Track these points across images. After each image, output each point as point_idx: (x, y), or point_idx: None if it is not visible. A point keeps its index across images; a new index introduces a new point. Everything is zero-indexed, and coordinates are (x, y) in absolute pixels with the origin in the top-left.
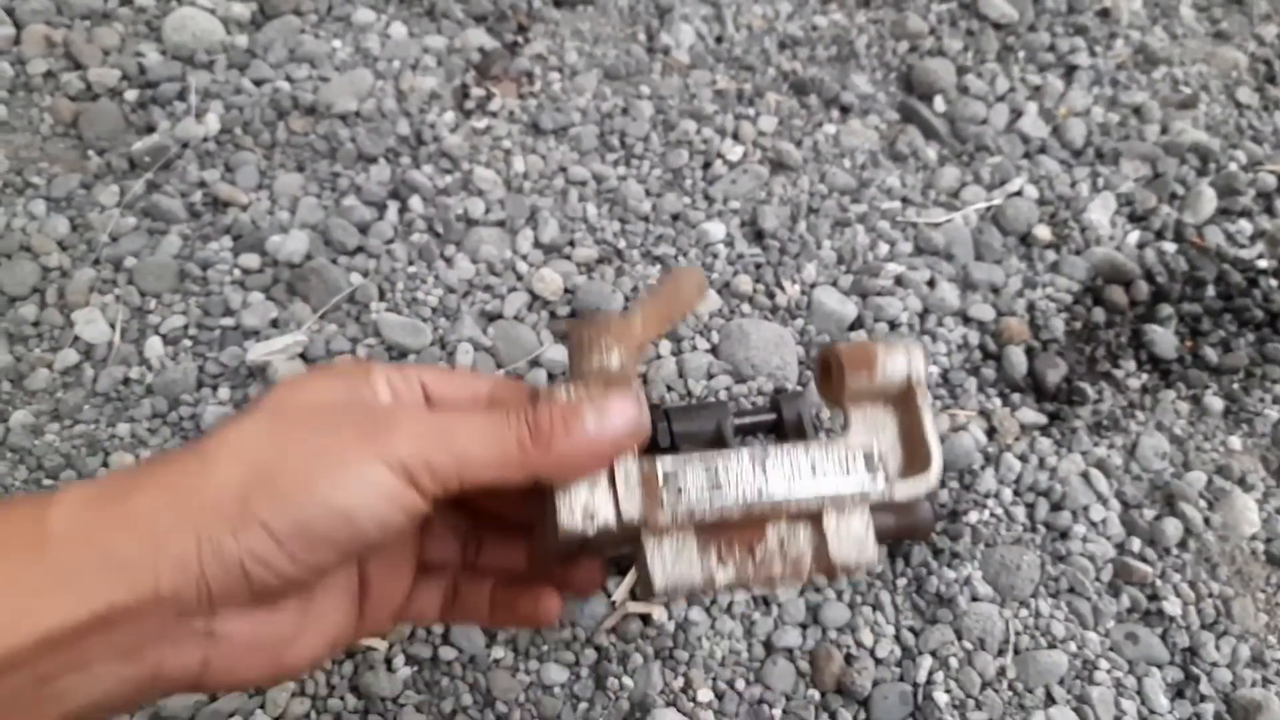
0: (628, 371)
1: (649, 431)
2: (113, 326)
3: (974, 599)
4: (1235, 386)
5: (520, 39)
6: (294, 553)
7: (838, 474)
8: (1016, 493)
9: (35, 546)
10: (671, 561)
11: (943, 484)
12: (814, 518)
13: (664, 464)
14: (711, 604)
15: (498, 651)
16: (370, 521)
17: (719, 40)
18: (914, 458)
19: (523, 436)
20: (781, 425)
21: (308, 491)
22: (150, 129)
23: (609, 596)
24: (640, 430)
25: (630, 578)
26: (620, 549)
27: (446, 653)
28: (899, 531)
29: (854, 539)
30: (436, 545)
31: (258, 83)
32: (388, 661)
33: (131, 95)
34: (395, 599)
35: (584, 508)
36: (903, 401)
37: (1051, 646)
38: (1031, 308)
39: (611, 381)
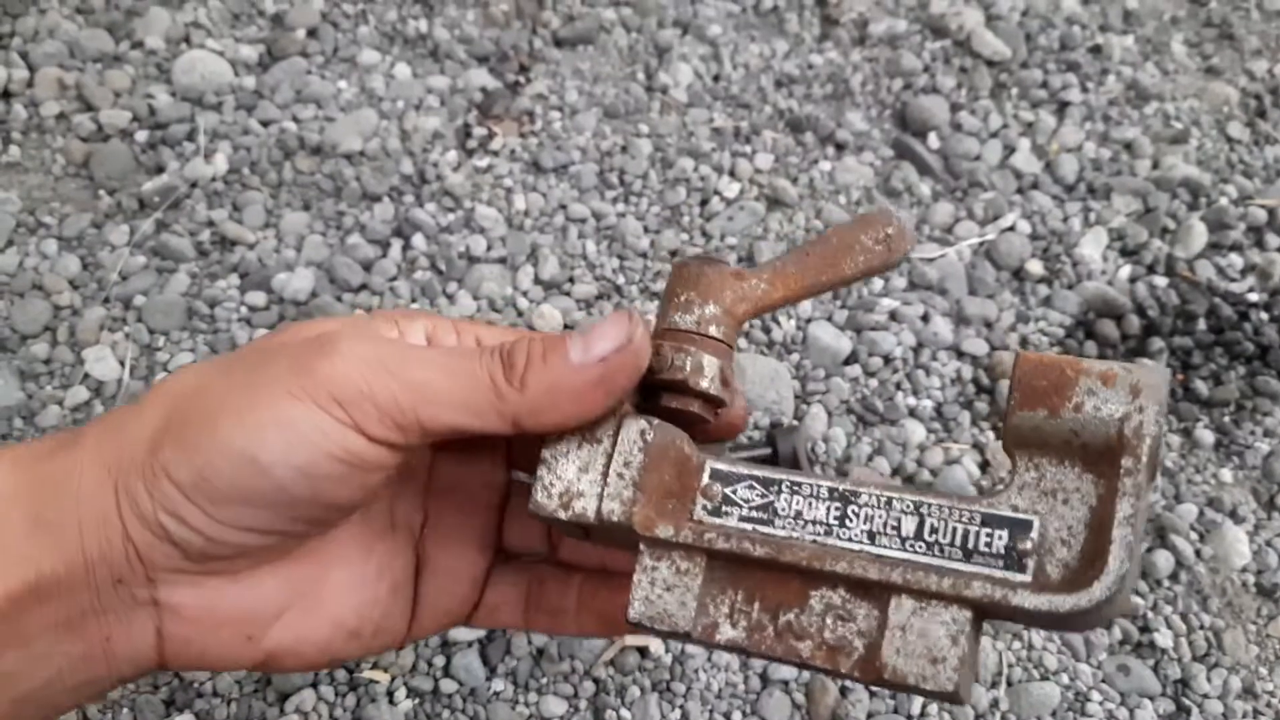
0: (726, 339)
1: (647, 352)
2: (122, 364)
3: None
4: (1226, 419)
5: (521, 79)
6: (207, 510)
7: (954, 546)
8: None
9: None
10: (664, 589)
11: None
12: (884, 595)
13: (715, 463)
14: None
15: (498, 684)
16: (290, 471)
17: (716, 79)
18: (1093, 553)
19: (494, 371)
20: (776, 460)
21: (210, 435)
22: (160, 169)
23: None
24: (635, 354)
25: None
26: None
27: (447, 685)
28: None
29: (926, 648)
30: (519, 529)
31: (265, 123)
32: (389, 694)
33: (142, 136)
34: (461, 588)
35: (565, 487)
36: (1107, 466)
37: (1044, 679)
38: (1024, 342)
39: None
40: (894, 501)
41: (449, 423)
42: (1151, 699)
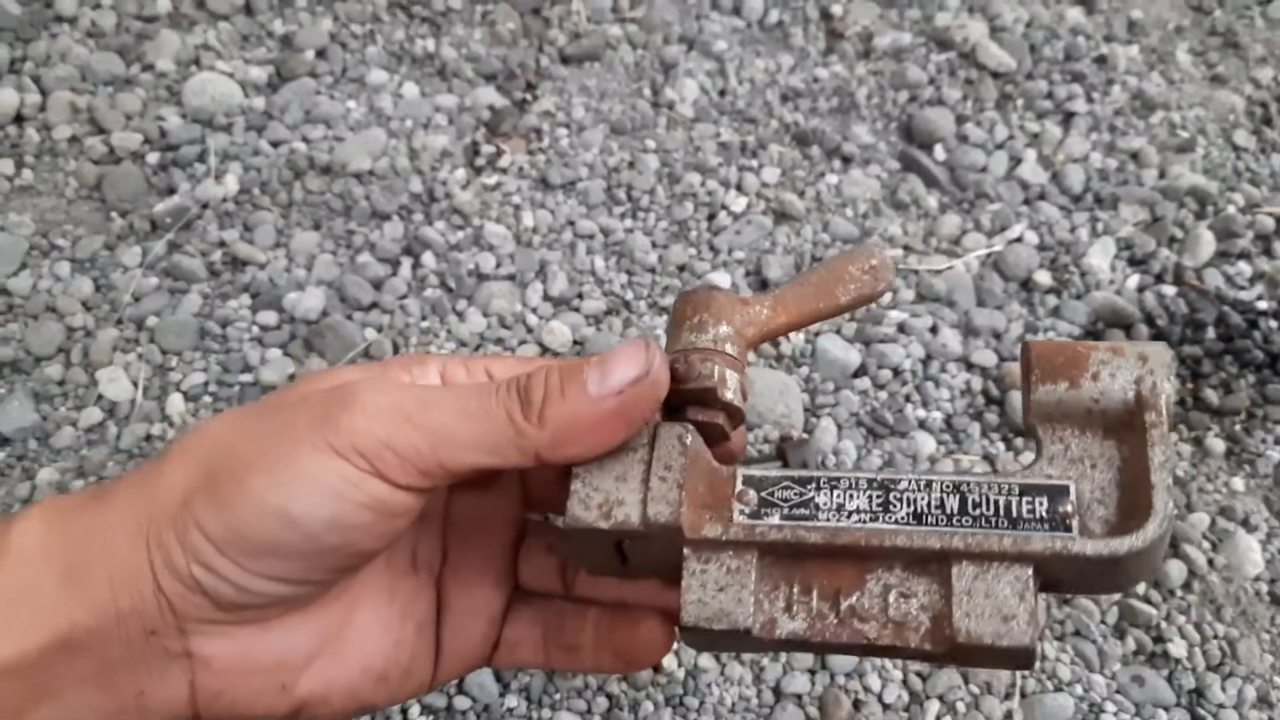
0: (730, 352)
1: (666, 382)
2: (135, 384)
3: None
4: (1237, 428)
5: (529, 96)
6: (239, 562)
7: (1000, 516)
8: None
9: None
10: (717, 589)
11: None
12: (942, 568)
13: (746, 470)
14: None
15: (511, 700)
16: (319, 523)
17: (722, 94)
18: (1129, 506)
19: (512, 409)
20: None
21: (242, 491)
22: (171, 191)
23: None
24: (655, 381)
25: None
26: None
27: (461, 702)
28: None
29: (995, 607)
30: (534, 566)
31: (275, 144)
32: (404, 712)
33: (153, 158)
34: (480, 626)
35: (604, 497)
36: (1126, 430)
37: (1058, 690)
38: None
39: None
40: (933, 484)
41: (470, 463)
42: (1166, 709)
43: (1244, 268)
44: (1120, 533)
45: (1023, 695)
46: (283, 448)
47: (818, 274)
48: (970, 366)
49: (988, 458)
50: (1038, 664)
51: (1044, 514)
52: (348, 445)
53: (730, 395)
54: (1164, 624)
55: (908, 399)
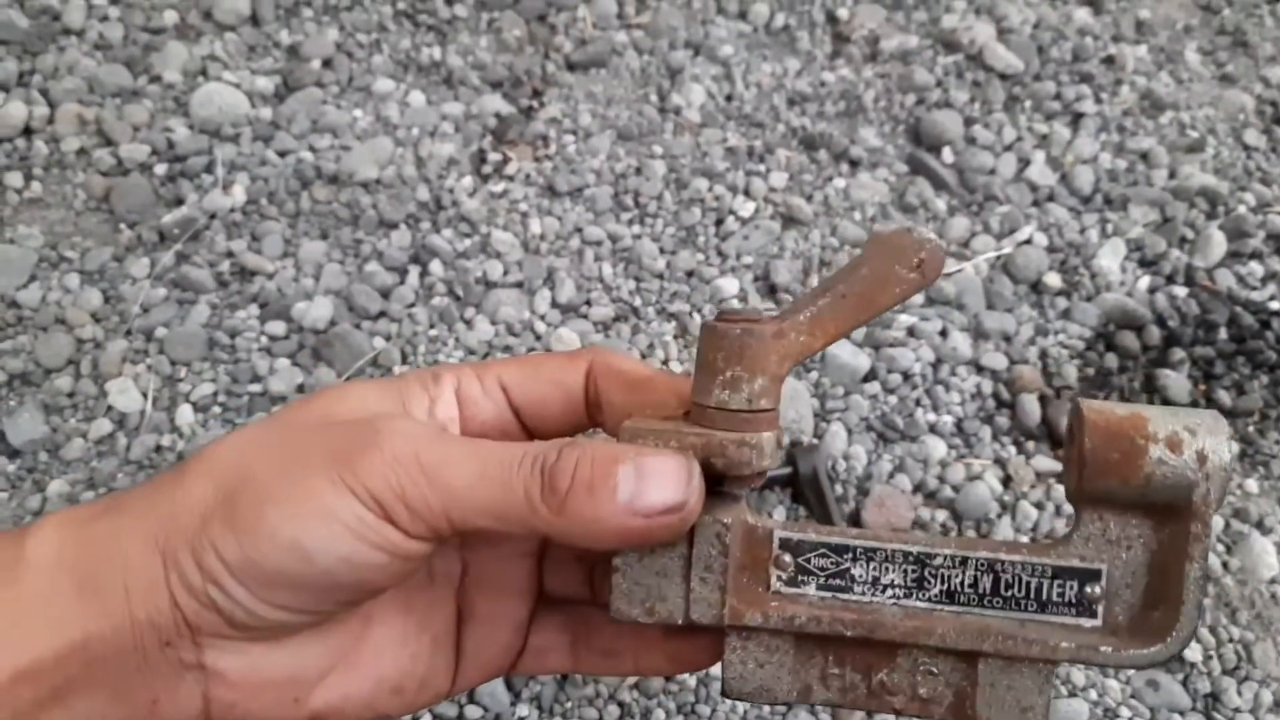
0: (765, 407)
1: (695, 515)
2: (145, 395)
3: None
4: (1250, 429)
5: (535, 103)
6: (253, 590)
7: (1030, 599)
8: (1034, 540)
9: (10, 577)
10: (756, 666)
11: (959, 533)
12: (970, 652)
13: (782, 531)
14: None
15: (522, 709)
16: (333, 560)
17: (729, 99)
18: (1156, 606)
19: (532, 488)
20: (797, 479)
21: (259, 521)
22: (179, 201)
23: None
24: (686, 519)
25: None
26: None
27: (472, 712)
28: None
29: (1016, 700)
30: (560, 575)
31: (282, 154)
32: None
33: (161, 169)
34: (504, 635)
35: (646, 592)
36: (1171, 519)
37: (1072, 695)
38: (1044, 355)
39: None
40: (969, 560)
41: (479, 526)
42: (1181, 714)
43: (1256, 268)
44: (1142, 627)
45: None
46: (301, 480)
47: (858, 281)
48: (980, 370)
49: (999, 461)
50: None
51: (1072, 598)
52: (364, 489)
53: (767, 463)
54: None
55: (918, 403)
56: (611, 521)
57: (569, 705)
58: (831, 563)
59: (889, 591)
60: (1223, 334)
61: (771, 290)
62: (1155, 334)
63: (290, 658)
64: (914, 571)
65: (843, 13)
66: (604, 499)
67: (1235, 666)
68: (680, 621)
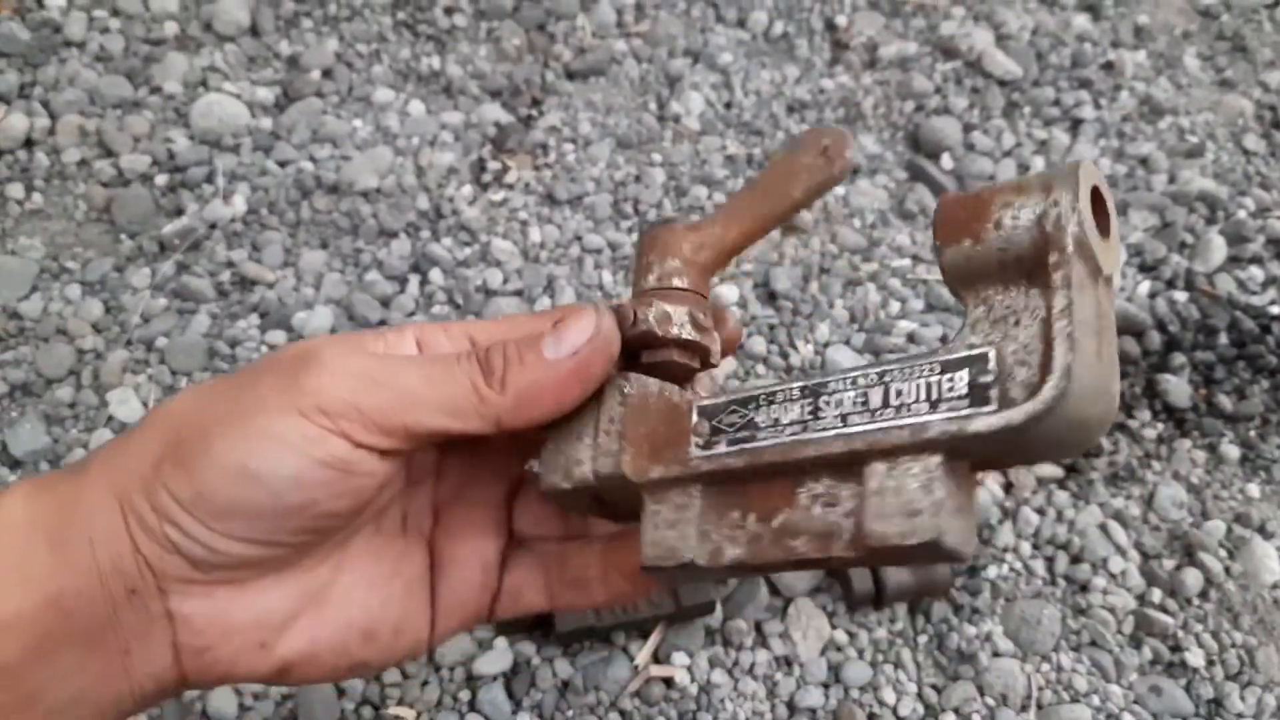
0: (693, 288)
1: (616, 341)
2: (145, 406)
3: (995, 654)
4: (1251, 433)
5: (534, 112)
6: (207, 522)
7: (922, 401)
8: (1035, 546)
9: None
10: (667, 528)
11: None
12: (860, 470)
13: (701, 401)
14: (734, 665)
15: (523, 717)
16: (281, 481)
17: (728, 106)
18: (1049, 362)
19: (474, 376)
20: None
21: (206, 452)
22: (180, 212)
23: (631, 660)
24: (607, 338)
25: (653, 639)
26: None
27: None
28: (919, 589)
29: (900, 504)
30: (531, 516)
31: (282, 164)
32: None
33: (161, 180)
34: (475, 575)
35: (565, 458)
36: (1041, 275)
37: (1074, 701)
38: None
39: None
40: (859, 379)
41: (432, 426)
42: (1185, 719)
43: (1256, 272)
44: (1023, 403)
45: (1039, 706)
46: (246, 411)
47: (767, 174)
48: None
49: None
50: (1054, 674)
51: (965, 389)
52: (311, 405)
53: (675, 330)
54: (1181, 633)
55: None
56: (547, 376)
57: (570, 714)
58: (739, 417)
59: (789, 429)
60: (1223, 339)
61: (771, 297)
62: (1156, 339)
63: (254, 602)
64: (809, 404)
65: (841, 20)
66: (534, 361)
67: (1238, 672)
68: (590, 477)
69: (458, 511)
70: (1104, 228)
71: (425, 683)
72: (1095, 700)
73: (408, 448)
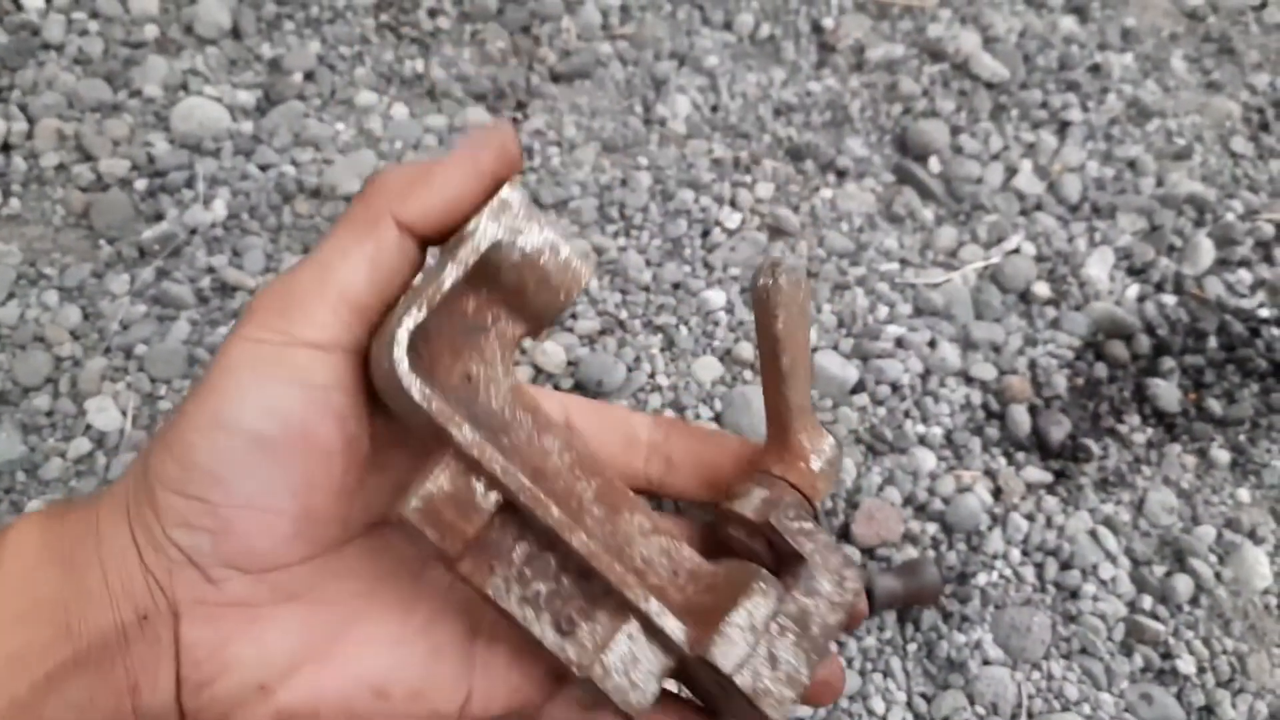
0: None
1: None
2: (124, 414)
3: (985, 663)
4: (1241, 438)
5: (519, 115)
6: (200, 495)
7: None
8: (1025, 553)
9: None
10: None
11: (949, 546)
12: None
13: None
14: None
15: None
16: (252, 414)
17: (714, 109)
18: None
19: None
20: None
21: (181, 420)
22: (159, 217)
23: None
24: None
25: None
26: None
27: None
28: (908, 597)
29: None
30: None
31: (263, 168)
32: None
33: (141, 184)
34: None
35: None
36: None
37: (1065, 709)
38: (1033, 365)
39: None
40: None
41: (355, 282)
42: None
43: (1244, 275)
44: None
45: (1030, 715)
46: (208, 374)
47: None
48: (970, 380)
49: (989, 473)
50: (1045, 682)
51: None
52: (254, 326)
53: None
54: (1172, 640)
55: (907, 415)
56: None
57: None
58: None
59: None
60: (1212, 342)
61: None
62: (1145, 343)
63: (261, 635)
64: None
65: (828, 22)
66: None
67: (1230, 679)
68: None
69: None
70: None
71: None
72: (1086, 708)
73: (357, 325)
